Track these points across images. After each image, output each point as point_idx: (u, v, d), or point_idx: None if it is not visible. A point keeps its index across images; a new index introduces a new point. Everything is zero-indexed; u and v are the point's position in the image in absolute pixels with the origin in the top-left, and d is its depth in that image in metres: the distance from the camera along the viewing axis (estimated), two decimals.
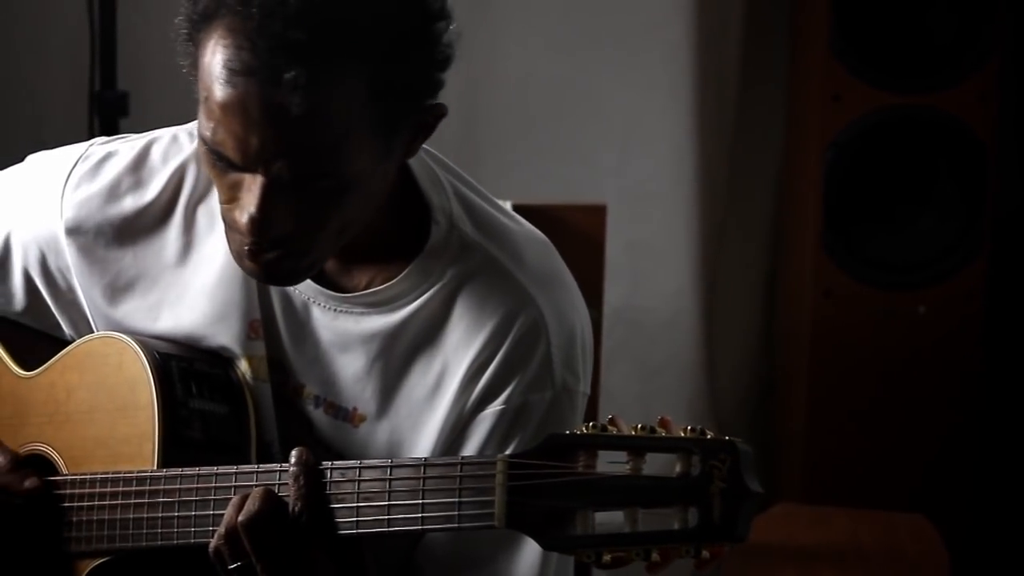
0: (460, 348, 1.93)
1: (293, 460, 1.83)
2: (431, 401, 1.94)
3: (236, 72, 1.76)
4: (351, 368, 1.96)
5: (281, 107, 1.75)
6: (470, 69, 4.35)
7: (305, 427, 1.99)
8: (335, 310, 1.96)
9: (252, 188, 1.81)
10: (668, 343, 4.47)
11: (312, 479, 1.82)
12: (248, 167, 1.81)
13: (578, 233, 3.21)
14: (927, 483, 4.20)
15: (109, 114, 3.63)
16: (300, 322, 1.98)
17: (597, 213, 3.26)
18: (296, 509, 1.81)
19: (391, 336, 1.95)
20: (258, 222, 1.81)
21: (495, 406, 1.92)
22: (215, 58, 1.77)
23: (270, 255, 1.85)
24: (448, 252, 1.94)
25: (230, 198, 1.85)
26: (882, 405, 4.23)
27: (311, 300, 1.97)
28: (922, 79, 4.16)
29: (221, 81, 1.77)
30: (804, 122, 4.34)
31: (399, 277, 1.94)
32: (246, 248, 1.85)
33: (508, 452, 1.86)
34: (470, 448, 1.92)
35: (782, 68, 4.48)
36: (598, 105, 4.40)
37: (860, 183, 4.22)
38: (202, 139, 1.83)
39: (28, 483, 1.98)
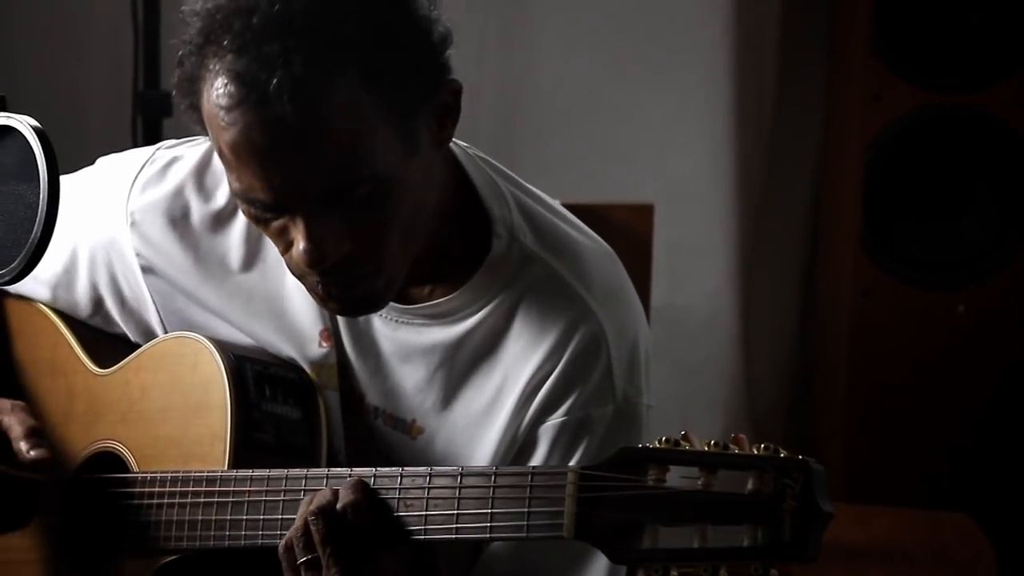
0: (520, 361, 1.93)
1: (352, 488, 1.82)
2: (489, 414, 1.95)
3: (230, 108, 1.77)
4: (411, 380, 1.97)
5: (280, 121, 1.75)
6: (510, 69, 4.36)
7: (366, 438, 2.00)
8: (396, 321, 1.97)
9: (296, 224, 1.82)
10: (706, 342, 4.47)
11: (362, 491, 1.81)
12: (282, 204, 1.81)
13: (625, 232, 3.20)
14: (967, 482, 4.19)
15: (152, 114, 3.64)
16: (361, 333, 1.99)
17: (644, 212, 3.25)
18: (345, 504, 1.80)
19: (451, 348, 1.95)
20: (312, 252, 1.81)
21: (555, 418, 1.93)
22: (211, 106, 1.79)
23: (342, 286, 1.85)
24: (509, 265, 1.95)
25: (285, 245, 1.86)
26: (921, 404, 4.22)
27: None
28: (963, 79, 4.16)
29: (223, 124, 1.78)
30: (844, 122, 4.33)
31: (460, 289, 1.94)
32: (319, 287, 1.86)
33: (572, 464, 1.87)
34: (534, 460, 1.93)
35: (820, 68, 4.47)
36: (637, 105, 4.40)
37: (900, 183, 4.22)
38: (234, 194, 1.85)
39: (34, 452, 1.96)
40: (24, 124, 1.53)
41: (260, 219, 1.85)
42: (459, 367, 1.96)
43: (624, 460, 1.66)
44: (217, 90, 1.77)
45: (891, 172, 4.21)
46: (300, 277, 1.88)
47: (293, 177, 1.79)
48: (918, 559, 3.50)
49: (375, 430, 1.99)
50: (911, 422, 4.22)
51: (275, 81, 1.74)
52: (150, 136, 3.63)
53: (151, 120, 3.63)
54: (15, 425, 1.97)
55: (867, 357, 4.24)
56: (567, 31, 4.35)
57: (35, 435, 1.96)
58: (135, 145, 3.04)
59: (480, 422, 1.95)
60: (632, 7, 4.36)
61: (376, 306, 1.92)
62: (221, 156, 1.82)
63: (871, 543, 3.54)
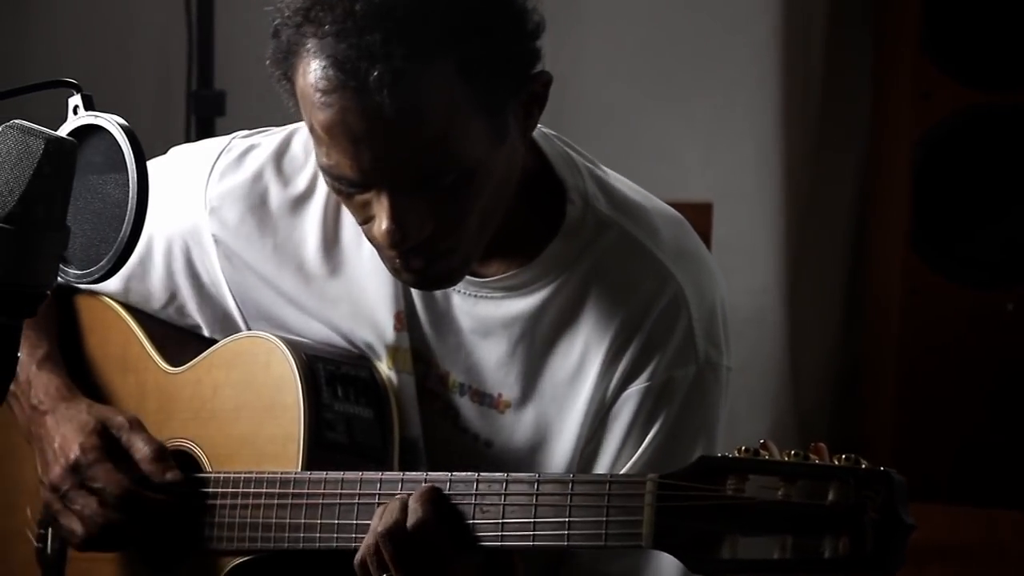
0: (600, 327, 1.93)
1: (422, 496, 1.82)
2: (574, 383, 1.94)
3: (327, 91, 1.78)
4: (494, 354, 1.97)
5: (376, 110, 1.76)
6: (556, 66, 4.34)
7: (451, 418, 2.00)
8: (475, 296, 1.97)
9: (381, 201, 1.83)
10: (753, 340, 4.47)
11: (426, 494, 1.81)
12: (368, 183, 1.82)
13: None
14: (1020, 480, 4.18)
15: (205, 114, 3.66)
16: (441, 311, 1.99)
17: (703, 211, 3.25)
18: (415, 521, 1.80)
19: (532, 319, 1.95)
20: (394, 232, 1.82)
21: (639, 384, 1.92)
22: (307, 85, 1.80)
23: (420, 262, 1.86)
24: (584, 231, 1.95)
25: (364, 218, 1.86)
26: (970, 402, 4.22)
27: (450, 288, 1.97)
28: (1012, 77, 4.15)
29: (318, 105, 1.79)
30: (892, 120, 4.32)
31: (537, 259, 1.94)
32: (396, 261, 1.86)
33: (655, 430, 1.90)
34: (618, 427, 1.92)
35: (867, 66, 4.46)
36: (683, 103, 4.40)
37: (948, 181, 4.21)
38: (321, 168, 1.85)
39: (169, 475, 1.99)
40: (112, 123, 1.53)
41: (343, 192, 1.86)
42: (540, 338, 1.95)
43: (703, 469, 1.66)
44: (315, 71, 1.78)
45: (940, 170, 4.20)
46: (377, 248, 1.89)
47: (383, 161, 1.80)
48: (974, 557, 3.49)
49: (461, 407, 1.99)
50: (960, 420, 4.21)
51: (375, 73, 1.75)
52: (203, 136, 3.64)
53: (205, 119, 3.65)
54: (141, 445, 2.00)
55: (916, 356, 4.24)
56: (615, 30, 4.35)
57: (165, 458, 1.99)
58: None
59: (566, 392, 1.94)
60: (680, 7, 4.36)
61: (450, 282, 1.92)
62: (312, 131, 1.83)
63: (926, 541, 3.53)
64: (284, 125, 2.11)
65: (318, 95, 1.78)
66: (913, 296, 4.23)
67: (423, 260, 1.86)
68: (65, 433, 2.02)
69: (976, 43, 4.15)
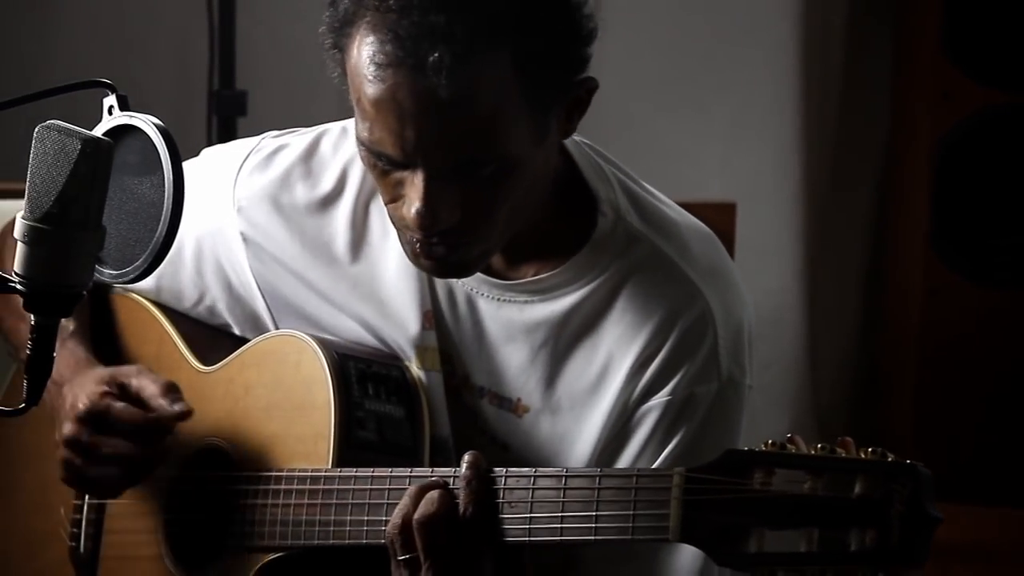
0: (626, 339, 1.94)
1: (466, 464, 1.83)
2: (595, 392, 1.95)
3: (383, 65, 1.78)
4: (515, 358, 1.98)
5: (430, 92, 1.77)
6: None
7: (471, 419, 2.01)
8: (499, 299, 1.98)
9: (415, 183, 1.83)
10: (772, 340, 4.46)
11: (484, 484, 1.82)
12: (408, 162, 1.82)
13: None
14: None
15: (227, 114, 3.67)
16: (464, 313, 2.00)
17: (727, 211, 3.24)
18: (467, 513, 1.82)
19: (555, 326, 1.96)
20: (425, 215, 1.83)
21: (660, 397, 1.93)
22: (361, 58, 1.81)
23: (441, 249, 1.87)
24: (614, 243, 1.96)
25: (394, 196, 1.87)
26: (990, 402, 4.22)
27: (474, 291, 1.99)
28: None
29: (370, 78, 1.80)
30: (912, 120, 4.33)
31: (564, 265, 1.95)
32: (417, 244, 1.87)
33: (673, 444, 1.90)
34: (636, 439, 1.94)
35: (886, 67, 4.46)
36: (703, 104, 4.40)
37: (969, 181, 4.21)
38: (360, 142, 1.86)
39: (178, 406, 1.99)
40: (147, 123, 1.54)
41: (378, 168, 1.86)
42: (562, 345, 1.96)
43: (730, 462, 1.66)
44: (372, 44, 1.79)
45: (960, 170, 4.20)
46: (399, 228, 1.90)
47: (426, 144, 1.80)
48: (998, 557, 3.48)
49: (480, 410, 2.00)
50: (981, 420, 4.21)
51: (436, 54, 1.75)
52: (224, 136, 3.65)
53: (226, 119, 3.66)
54: (148, 384, 2.01)
55: (935, 355, 4.24)
56: (635, 33, 4.35)
57: (174, 390, 2.00)
58: (209, 145, 3.07)
59: (586, 400, 1.95)
60: (699, 7, 4.36)
61: (466, 273, 1.94)
62: (358, 104, 1.83)
63: (950, 541, 3.53)
64: (305, 125, 2.12)
65: (372, 68, 1.79)
66: (933, 295, 4.24)
67: (445, 248, 1.87)
68: (76, 392, 2.03)
69: (996, 43, 4.15)
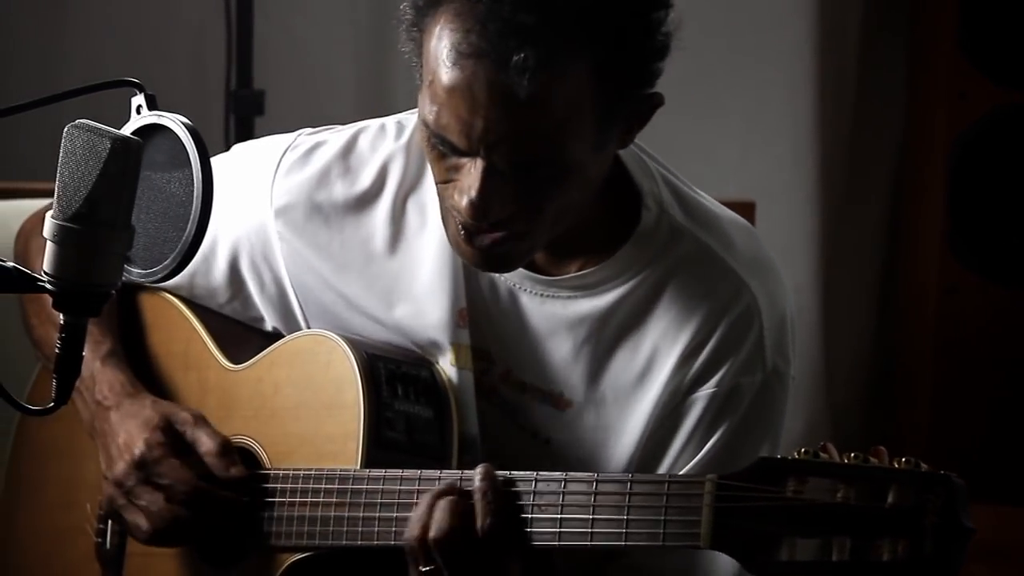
0: (671, 332, 1.95)
1: (479, 476, 1.83)
2: (640, 386, 1.96)
3: (465, 55, 1.78)
4: (558, 353, 1.98)
5: (508, 90, 1.77)
6: None
7: (509, 415, 2.01)
8: (542, 295, 1.98)
9: (472, 171, 1.83)
10: None
11: (500, 495, 1.82)
12: (470, 151, 1.82)
13: None
14: None
15: (245, 113, 3.66)
16: (507, 308, 2.00)
17: (746, 210, 3.24)
18: (486, 525, 1.82)
19: (598, 320, 1.97)
20: (477, 206, 1.83)
21: (707, 389, 1.94)
22: (442, 42, 1.80)
23: (486, 240, 1.87)
24: (658, 237, 1.96)
25: (447, 179, 1.86)
26: (1006, 401, 4.21)
27: (517, 286, 1.99)
28: None
29: (448, 64, 1.79)
30: (928, 120, 4.32)
31: (608, 261, 1.96)
32: (462, 232, 1.87)
33: (718, 435, 1.92)
34: (681, 431, 1.94)
35: (901, 66, 4.46)
36: (718, 103, 4.40)
37: (985, 179, 4.21)
38: (424, 123, 1.85)
39: (234, 470, 1.99)
40: (176, 122, 1.54)
41: (437, 151, 1.86)
42: (606, 340, 1.97)
43: (763, 470, 1.66)
44: (457, 32, 1.79)
45: (976, 169, 4.20)
46: (446, 213, 1.90)
47: (493, 139, 1.80)
48: (1015, 555, 3.47)
49: (521, 405, 2.00)
50: (996, 419, 4.21)
51: (521, 54, 1.75)
52: (242, 136, 3.65)
53: (244, 118, 3.66)
54: (205, 441, 2.00)
55: (951, 354, 4.24)
56: None
57: (230, 452, 2.00)
58: (227, 145, 3.07)
59: (630, 394, 1.96)
60: (715, 6, 4.35)
61: (508, 268, 1.94)
62: (429, 86, 1.83)
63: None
64: (322, 124, 2.12)
65: (453, 55, 1.79)
66: (949, 294, 4.24)
67: (490, 240, 1.87)
68: (129, 429, 2.03)
69: (1013, 42, 4.14)
